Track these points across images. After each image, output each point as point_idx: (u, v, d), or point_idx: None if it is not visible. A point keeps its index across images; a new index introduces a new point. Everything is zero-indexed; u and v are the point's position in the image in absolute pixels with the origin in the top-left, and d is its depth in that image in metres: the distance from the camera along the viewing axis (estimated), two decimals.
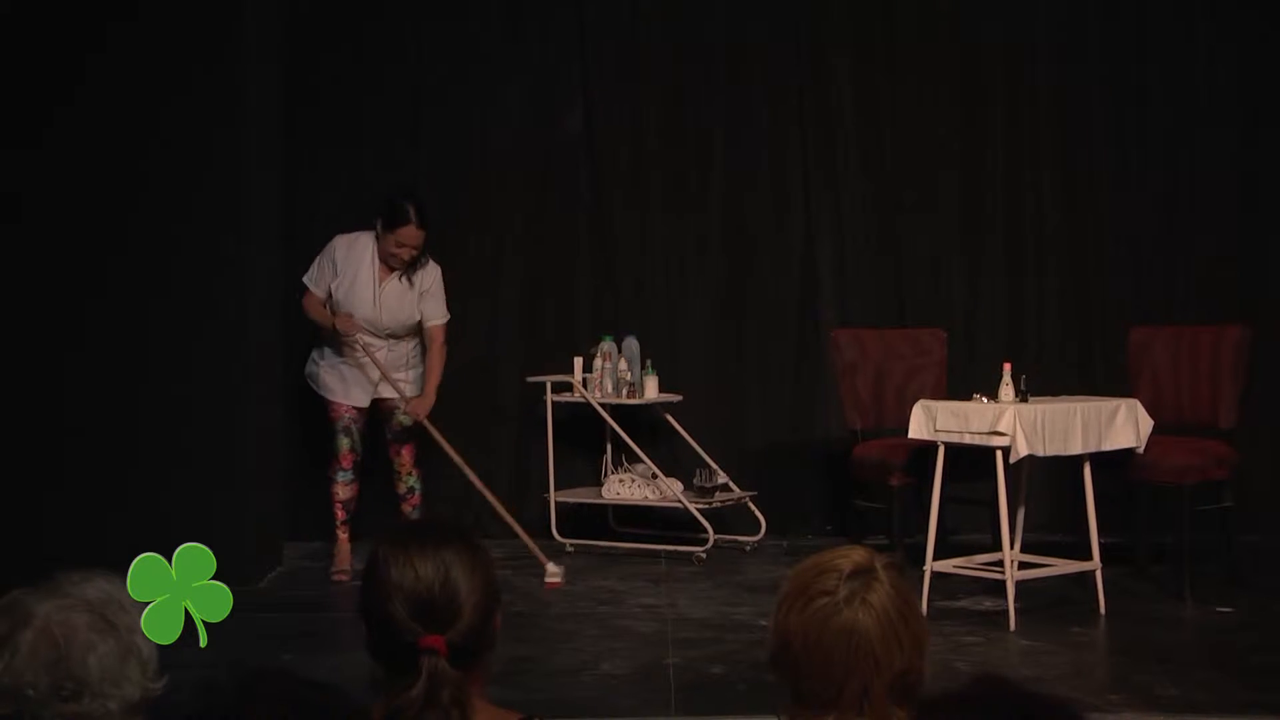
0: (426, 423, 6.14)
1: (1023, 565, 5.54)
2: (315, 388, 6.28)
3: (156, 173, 5.86)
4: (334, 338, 6.17)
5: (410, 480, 6.29)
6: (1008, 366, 5.45)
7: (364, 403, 6.21)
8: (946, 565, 5.50)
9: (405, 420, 6.19)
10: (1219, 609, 5.52)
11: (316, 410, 6.94)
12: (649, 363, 6.79)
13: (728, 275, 7.14)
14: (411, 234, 6.01)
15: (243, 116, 5.94)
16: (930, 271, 7.15)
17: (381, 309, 6.09)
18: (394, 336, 6.17)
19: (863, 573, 1.84)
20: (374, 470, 6.40)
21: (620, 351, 6.79)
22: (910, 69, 7.12)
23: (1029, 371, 5.68)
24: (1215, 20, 7.05)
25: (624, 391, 6.73)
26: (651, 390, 6.74)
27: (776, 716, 1.90)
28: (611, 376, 6.74)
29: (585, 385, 6.73)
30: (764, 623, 5.15)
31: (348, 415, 6.20)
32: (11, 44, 5.79)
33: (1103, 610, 5.42)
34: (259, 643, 4.99)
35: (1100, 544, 5.48)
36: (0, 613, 1.77)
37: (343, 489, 6.21)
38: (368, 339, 6.12)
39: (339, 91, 7.05)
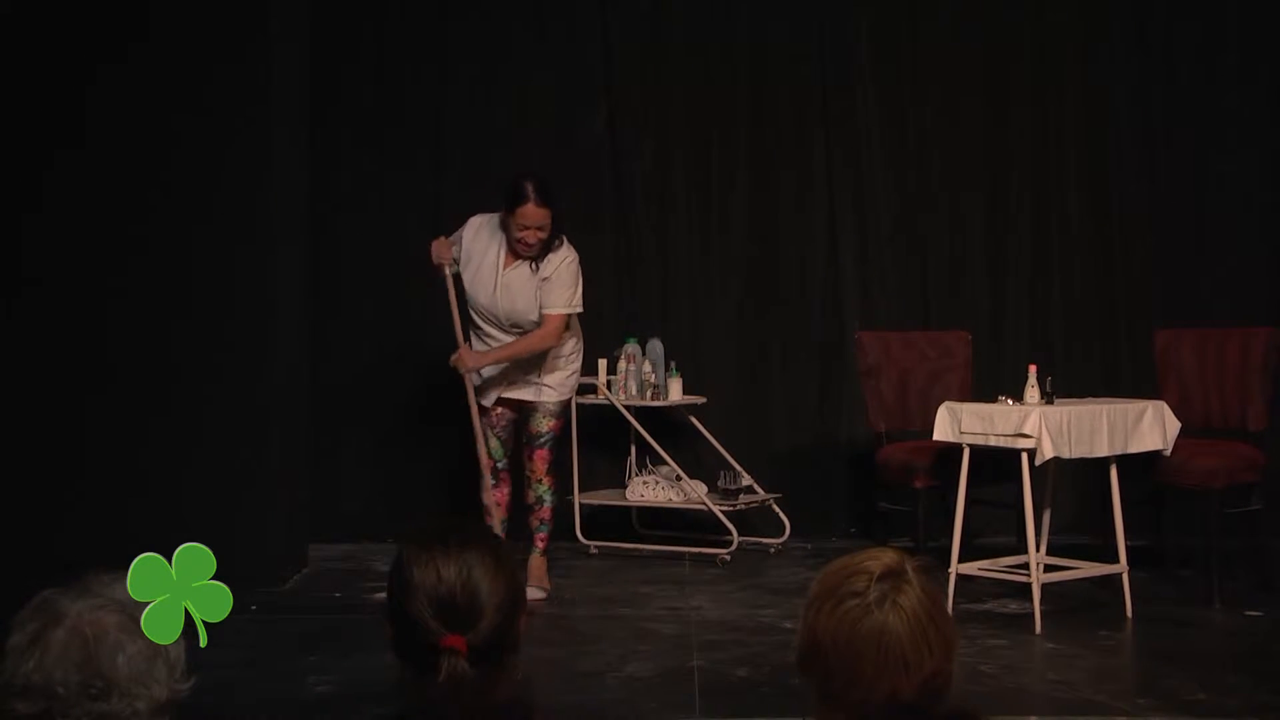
0: (468, 381, 5.69)
1: (1048, 568, 5.52)
2: None
3: (181, 169, 5.87)
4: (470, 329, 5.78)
5: (540, 489, 5.78)
6: (1033, 368, 5.42)
7: (487, 401, 5.80)
8: (972, 568, 5.49)
9: (541, 424, 5.77)
10: (1247, 613, 5.49)
11: (348, 411, 6.99)
12: (673, 365, 6.80)
13: (752, 277, 7.14)
14: (532, 213, 5.51)
15: (267, 114, 5.95)
16: (955, 273, 7.13)
17: (499, 296, 5.64)
18: (520, 329, 5.69)
19: (893, 575, 1.83)
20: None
21: (644, 354, 6.79)
22: (935, 68, 7.10)
23: (1054, 373, 5.65)
24: (1246, 21, 7.00)
25: (648, 394, 6.73)
26: (675, 392, 6.75)
27: (803, 719, 1.89)
28: (636, 379, 6.74)
29: (610, 387, 6.73)
30: (789, 625, 5.14)
31: (485, 419, 5.77)
32: (33, 42, 5.82)
33: (1129, 614, 5.39)
34: (282, 644, 5.01)
35: (1127, 547, 5.46)
36: (32, 612, 1.79)
37: (485, 495, 5.79)
38: (489, 329, 5.74)
39: (363, 90, 7.07)
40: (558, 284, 5.62)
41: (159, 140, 5.87)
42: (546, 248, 5.62)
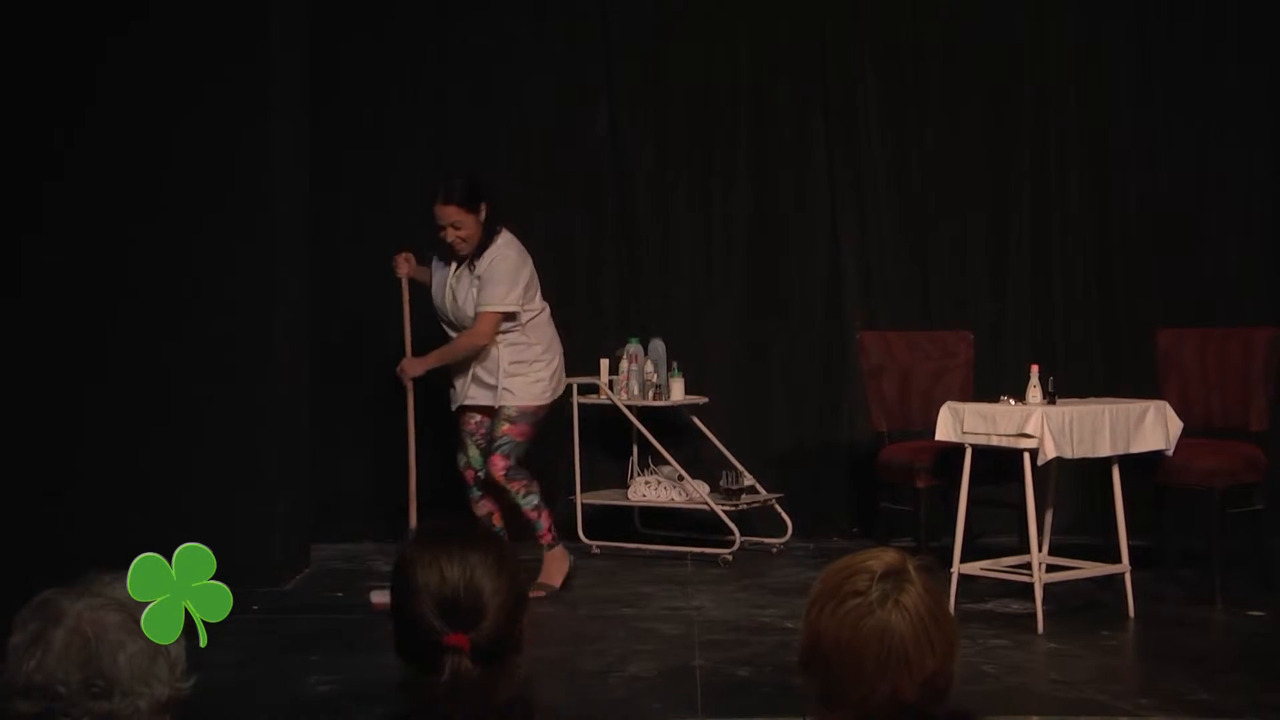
0: (409, 388, 5.74)
1: (1051, 568, 5.52)
2: None
3: (182, 169, 5.87)
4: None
5: (510, 495, 5.68)
6: (1035, 368, 5.42)
7: (453, 406, 5.81)
8: (974, 568, 5.48)
9: (496, 429, 5.68)
10: (1250, 613, 5.48)
11: (348, 411, 6.98)
12: (675, 365, 6.79)
13: (753, 277, 7.13)
14: (439, 211, 5.54)
15: (268, 116, 5.95)
16: (957, 273, 7.12)
17: (446, 299, 5.69)
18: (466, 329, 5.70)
19: (895, 574, 1.83)
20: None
21: (646, 353, 6.79)
22: (936, 67, 7.10)
23: (1056, 373, 5.65)
24: (1246, 21, 6.99)
25: (650, 393, 6.72)
26: (677, 392, 6.74)
27: (804, 719, 1.89)
28: (638, 378, 6.73)
29: (611, 387, 6.73)
30: (790, 625, 5.13)
31: (462, 427, 5.78)
32: (34, 42, 5.81)
33: (1132, 614, 5.39)
34: (282, 644, 5.01)
35: (1129, 547, 5.45)
36: (33, 611, 1.79)
37: (473, 505, 5.77)
38: (448, 331, 5.76)
39: (363, 91, 7.07)
40: (489, 280, 5.57)
41: (160, 141, 5.86)
42: (482, 246, 5.59)
